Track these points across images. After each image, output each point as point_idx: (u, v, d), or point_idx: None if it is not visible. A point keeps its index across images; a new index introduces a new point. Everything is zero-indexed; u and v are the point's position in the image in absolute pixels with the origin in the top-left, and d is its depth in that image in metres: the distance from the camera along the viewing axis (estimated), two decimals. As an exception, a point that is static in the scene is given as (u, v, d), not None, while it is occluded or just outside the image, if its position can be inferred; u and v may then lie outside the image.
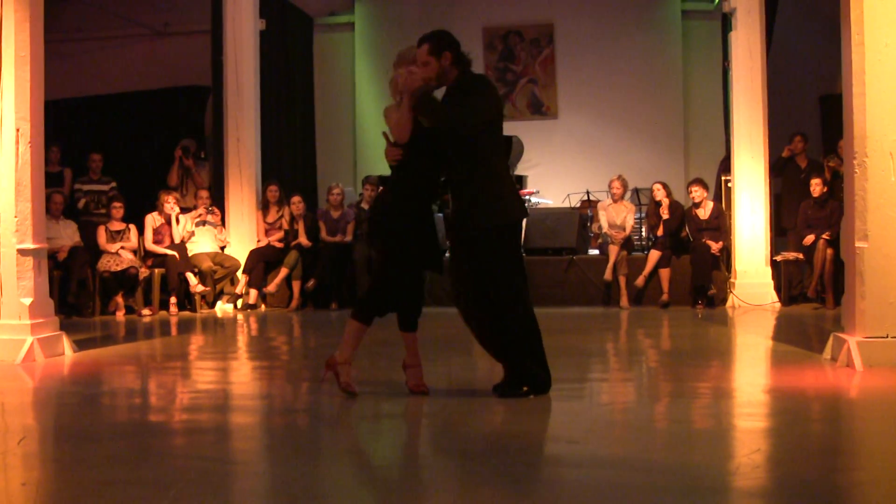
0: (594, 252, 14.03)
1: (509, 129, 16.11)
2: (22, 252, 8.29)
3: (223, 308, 13.35)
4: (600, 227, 13.64)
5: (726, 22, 13.34)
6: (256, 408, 5.76)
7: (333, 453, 4.84)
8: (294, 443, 5.02)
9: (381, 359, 7.92)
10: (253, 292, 13.26)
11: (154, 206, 13.33)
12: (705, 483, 4.11)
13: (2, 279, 8.29)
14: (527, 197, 15.16)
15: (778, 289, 12.70)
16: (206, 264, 13.02)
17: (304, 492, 4.11)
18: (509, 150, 15.57)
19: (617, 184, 13.50)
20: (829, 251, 12.05)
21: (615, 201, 13.48)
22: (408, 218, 5.95)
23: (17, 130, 8.28)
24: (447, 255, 6.29)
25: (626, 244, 13.10)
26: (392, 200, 6.08)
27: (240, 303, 13.37)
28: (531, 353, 5.99)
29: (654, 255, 12.81)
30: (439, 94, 6.11)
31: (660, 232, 12.97)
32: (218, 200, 13.79)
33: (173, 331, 11.10)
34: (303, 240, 13.42)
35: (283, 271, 13.19)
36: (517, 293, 5.93)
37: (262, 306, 13.47)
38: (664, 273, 12.78)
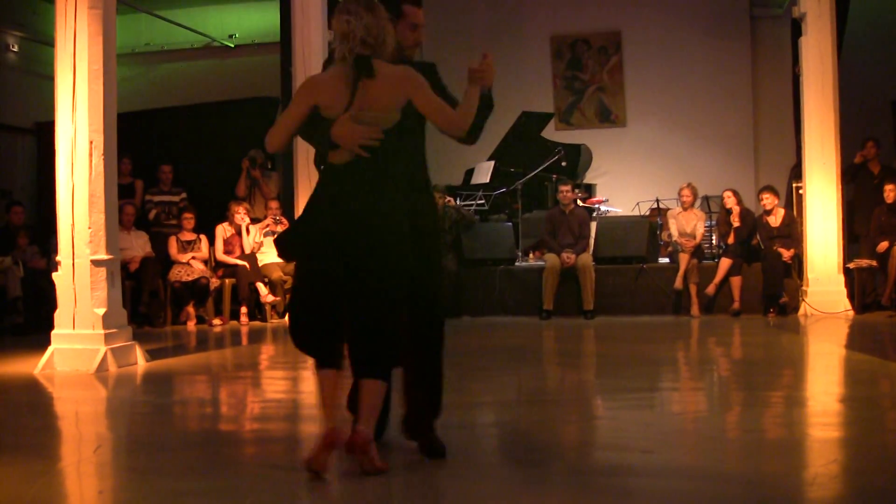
0: (664, 260, 13.92)
1: (578, 137, 16.30)
2: (95, 263, 8.40)
3: (293, 318, 13.38)
4: (670, 236, 13.53)
5: (796, 27, 13.16)
6: (326, 417, 5.76)
7: (402, 462, 4.83)
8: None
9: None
10: (322, 302, 13.25)
11: (224, 216, 13.45)
12: (780, 493, 4.05)
13: (76, 290, 8.41)
14: (596, 206, 15.07)
15: (851, 296, 12.46)
16: (277, 274, 13.09)
17: (377, 500, 4.11)
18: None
19: (687, 191, 13.38)
20: (904, 258, 11.87)
21: (685, 209, 13.36)
22: None
23: (91, 143, 8.40)
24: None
25: (697, 252, 12.97)
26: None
27: (309, 312, 13.39)
28: None
29: (725, 263, 12.68)
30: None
31: (731, 240, 12.82)
32: (288, 211, 13.87)
33: (244, 340, 11.18)
34: (371, 250, 13.39)
35: (352, 281, 13.16)
36: None
37: (331, 316, 13.44)
38: (735, 281, 12.64)
